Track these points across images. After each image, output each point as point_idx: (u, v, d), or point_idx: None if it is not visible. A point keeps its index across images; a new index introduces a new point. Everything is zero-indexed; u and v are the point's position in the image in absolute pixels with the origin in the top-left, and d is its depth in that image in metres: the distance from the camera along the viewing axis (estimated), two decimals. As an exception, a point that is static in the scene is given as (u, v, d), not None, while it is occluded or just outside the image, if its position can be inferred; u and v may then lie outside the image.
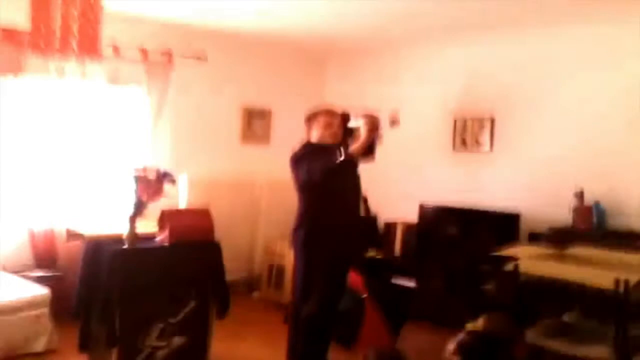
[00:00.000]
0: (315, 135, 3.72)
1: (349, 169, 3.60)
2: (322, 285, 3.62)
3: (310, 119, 3.77)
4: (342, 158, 3.36)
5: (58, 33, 2.71)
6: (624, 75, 4.64)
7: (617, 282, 2.76)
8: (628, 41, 4.61)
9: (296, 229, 3.70)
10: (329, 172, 3.45)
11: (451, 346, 2.48)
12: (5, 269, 4.62)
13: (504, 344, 2.53)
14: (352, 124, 3.58)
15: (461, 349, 2.45)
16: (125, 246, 3.55)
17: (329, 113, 3.76)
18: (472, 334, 2.61)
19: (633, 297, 2.80)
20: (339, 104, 5.61)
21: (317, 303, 3.61)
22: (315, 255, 3.63)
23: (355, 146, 3.45)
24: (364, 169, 5.48)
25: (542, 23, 4.92)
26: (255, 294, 5.83)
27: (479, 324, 2.79)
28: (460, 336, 2.50)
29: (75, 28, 2.72)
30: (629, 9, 4.38)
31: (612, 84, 4.72)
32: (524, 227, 4.87)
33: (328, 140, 3.66)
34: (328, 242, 3.61)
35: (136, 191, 3.56)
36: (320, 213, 3.63)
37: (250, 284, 6.00)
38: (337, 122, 3.73)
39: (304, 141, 3.77)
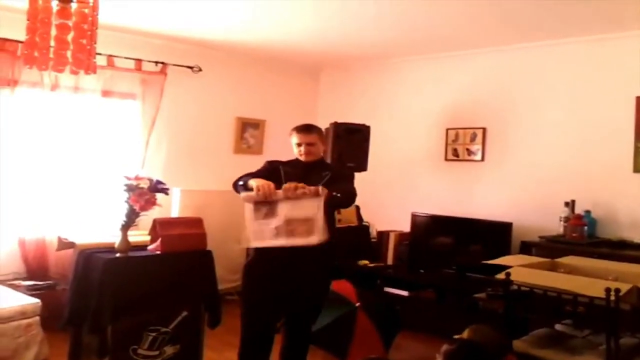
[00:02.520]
0: (295, 152, 3.66)
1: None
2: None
3: (289, 135, 3.66)
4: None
5: (53, 43, 2.71)
6: (614, 89, 4.71)
7: (608, 291, 2.78)
8: (619, 56, 4.68)
9: None
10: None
11: (439, 359, 2.48)
12: (-5, 278, 4.60)
13: (490, 354, 2.53)
14: None
15: (446, 356, 2.45)
16: (118, 255, 3.54)
17: (302, 131, 3.59)
18: (457, 341, 2.61)
19: (624, 306, 2.81)
20: (331, 117, 5.70)
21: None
22: (251, 254, 3.52)
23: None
24: (358, 177, 5.48)
25: (534, 38, 4.98)
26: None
27: (464, 335, 2.80)
28: (445, 346, 2.50)
29: (70, 40, 2.73)
30: (619, 25, 4.45)
31: (603, 97, 4.78)
32: (516, 236, 4.89)
33: (300, 157, 3.59)
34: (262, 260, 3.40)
35: (129, 201, 3.55)
36: None
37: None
38: (307, 141, 3.56)
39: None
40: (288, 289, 3.41)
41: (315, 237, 3.16)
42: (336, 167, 4.03)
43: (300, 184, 3.19)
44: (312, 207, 3.20)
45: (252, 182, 3.27)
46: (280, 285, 3.38)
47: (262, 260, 3.38)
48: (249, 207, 3.21)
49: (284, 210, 3.18)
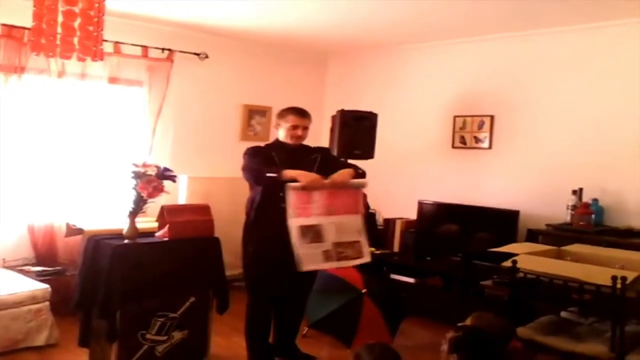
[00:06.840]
0: (282, 135, 3.80)
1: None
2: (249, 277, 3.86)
3: (281, 116, 3.81)
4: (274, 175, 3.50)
5: (60, 30, 2.71)
6: (622, 75, 4.67)
7: (614, 279, 2.78)
8: (626, 42, 4.64)
9: (247, 214, 3.85)
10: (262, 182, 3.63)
11: (444, 346, 2.50)
12: (5, 264, 4.64)
13: (494, 340, 2.54)
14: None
15: (453, 344, 2.47)
16: (126, 241, 3.56)
17: (299, 114, 3.76)
18: (463, 328, 2.63)
19: (630, 294, 2.82)
20: (338, 104, 5.69)
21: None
22: (252, 245, 3.79)
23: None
24: (364, 165, 5.48)
25: (543, 25, 4.94)
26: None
27: (467, 322, 2.81)
28: (450, 333, 2.51)
29: (77, 26, 2.72)
30: (625, 11, 4.40)
31: (611, 84, 4.74)
32: (523, 224, 4.89)
33: (290, 140, 3.75)
34: (264, 236, 3.70)
35: (136, 187, 3.57)
36: (264, 204, 3.71)
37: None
38: (303, 124, 3.75)
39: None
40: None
41: (365, 258, 3.60)
42: (322, 149, 4.13)
43: (348, 172, 3.57)
44: (355, 231, 3.58)
45: (292, 173, 3.45)
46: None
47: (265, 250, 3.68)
48: (295, 232, 3.41)
49: (331, 235, 3.48)
